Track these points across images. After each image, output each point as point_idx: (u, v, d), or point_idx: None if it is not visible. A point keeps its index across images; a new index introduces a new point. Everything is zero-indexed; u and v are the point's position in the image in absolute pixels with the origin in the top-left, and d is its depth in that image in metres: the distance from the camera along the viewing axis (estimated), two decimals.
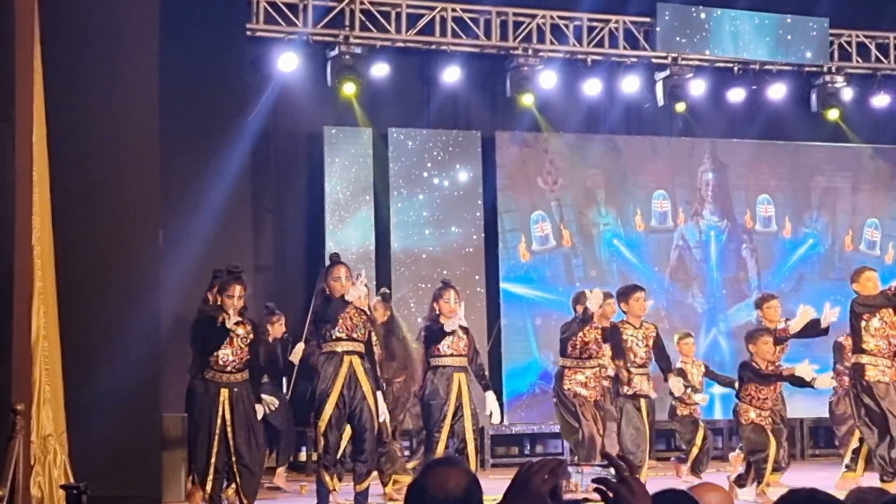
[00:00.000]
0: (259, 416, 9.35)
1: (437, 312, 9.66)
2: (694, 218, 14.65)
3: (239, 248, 12.32)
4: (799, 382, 10.17)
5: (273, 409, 10.05)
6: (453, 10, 13.80)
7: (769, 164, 15.02)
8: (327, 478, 8.95)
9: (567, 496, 2.74)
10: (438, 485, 2.99)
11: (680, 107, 14.38)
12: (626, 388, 10.52)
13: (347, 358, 8.92)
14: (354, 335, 8.95)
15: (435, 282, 13.40)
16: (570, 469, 3.12)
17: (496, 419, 10.13)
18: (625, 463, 2.77)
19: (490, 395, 9.93)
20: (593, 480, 2.72)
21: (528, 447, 14.15)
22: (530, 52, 13.87)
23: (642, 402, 10.57)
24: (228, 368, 9.08)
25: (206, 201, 11.92)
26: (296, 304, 12.61)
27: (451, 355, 9.61)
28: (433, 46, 13.88)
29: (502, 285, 13.82)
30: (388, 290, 11.28)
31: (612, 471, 2.74)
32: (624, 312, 10.72)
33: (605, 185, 14.43)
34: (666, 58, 14.29)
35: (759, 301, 11.04)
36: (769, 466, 9.95)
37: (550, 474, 2.74)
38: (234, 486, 9.20)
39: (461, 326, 9.66)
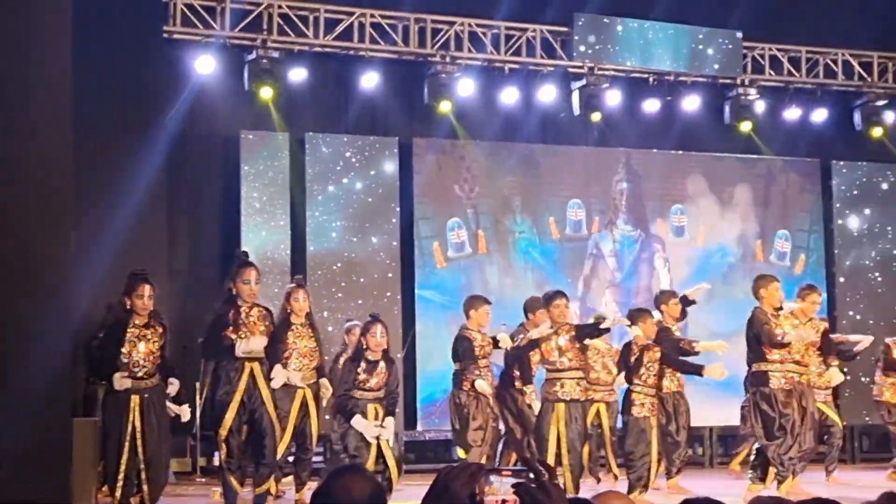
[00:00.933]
0: (186, 418, 9.35)
1: (365, 347, 9.58)
2: (608, 227, 14.79)
3: (153, 251, 12.25)
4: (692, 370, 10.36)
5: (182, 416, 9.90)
6: (372, 15, 13.79)
7: (683, 174, 15.20)
8: (233, 481, 8.94)
9: (487, 500, 2.74)
10: (343, 491, 2.98)
11: (595, 116, 14.50)
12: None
13: (248, 365, 8.88)
14: None
15: (351, 288, 13.44)
16: (489, 473, 3.14)
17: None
18: (543, 467, 2.78)
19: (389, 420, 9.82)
20: (513, 486, 2.73)
21: (443, 453, 14.15)
22: (448, 59, 13.91)
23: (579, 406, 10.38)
24: (139, 373, 8.97)
25: (121, 204, 11.81)
26: (210, 308, 12.44)
27: (371, 389, 9.56)
28: (351, 52, 13.87)
29: (418, 292, 13.83)
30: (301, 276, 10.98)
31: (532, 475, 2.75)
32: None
33: (521, 194, 14.51)
34: (582, 67, 14.40)
35: (658, 299, 11.25)
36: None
37: (469, 479, 2.74)
38: (141, 493, 9.09)
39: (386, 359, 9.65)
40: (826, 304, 15.28)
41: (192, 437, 12.40)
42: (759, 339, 10.01)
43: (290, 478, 10.23)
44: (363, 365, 9.51)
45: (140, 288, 8.95)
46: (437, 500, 2.74)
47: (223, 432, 8.84)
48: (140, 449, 8.87)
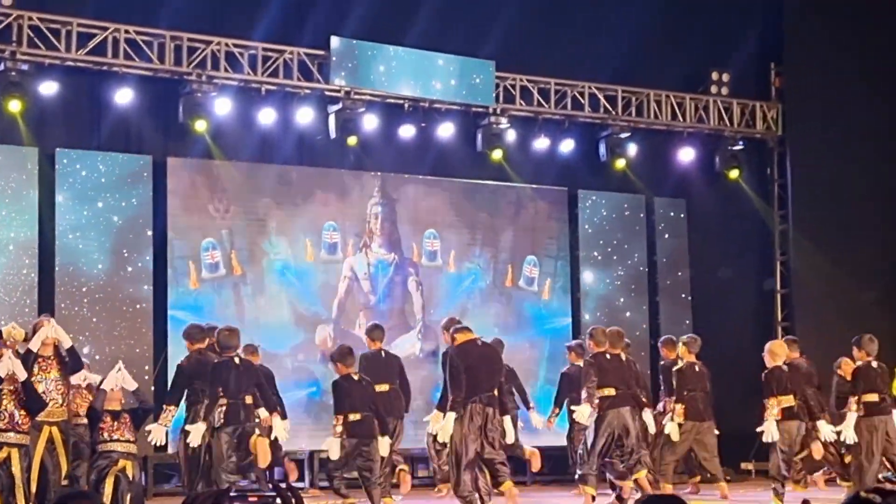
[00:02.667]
0: None
1: None
2: (363, 250, 14.90)
3: None
4: None
5: None
6: (126, 31, 13.53)
7: (436, 199, 15.46)
8: None
9: None
10: None
11: (352, 140, 14.59)
12: None
13: None
14: None
15: (103, 307, 13.12)
16: (234, 499, 3.15)
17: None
18: (290, 492, 2.83)
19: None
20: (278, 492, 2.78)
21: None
22: (204, 78, 13.78)
23: None
24: None
25: None
26: None
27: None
28: (105, 67, 13.56)
29: (170, 312, 13.62)
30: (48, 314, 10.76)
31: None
32: None
33: (276, 215, 14.48)
34: (339, 91, 14.49)
35: (447, 324, 11.42)
36: None
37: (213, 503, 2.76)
38: None
39: None
40: (570, 328, 15.85)
41: None
42: None
43: None
44: None
45: None
46: None
47: None
48: None
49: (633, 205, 16.62)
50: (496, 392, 10.33)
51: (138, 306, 13.49)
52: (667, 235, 16.77)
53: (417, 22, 14.77)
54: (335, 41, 14.36)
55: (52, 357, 9.48)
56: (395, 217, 15.17)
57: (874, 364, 11.49)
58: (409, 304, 15.09)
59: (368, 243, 14.95)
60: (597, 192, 16.45)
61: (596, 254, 16.29)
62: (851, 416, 11.32)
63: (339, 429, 10.70)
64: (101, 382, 10.09)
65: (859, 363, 11.57)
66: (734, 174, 16.90)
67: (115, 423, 9.91)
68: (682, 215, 16.89)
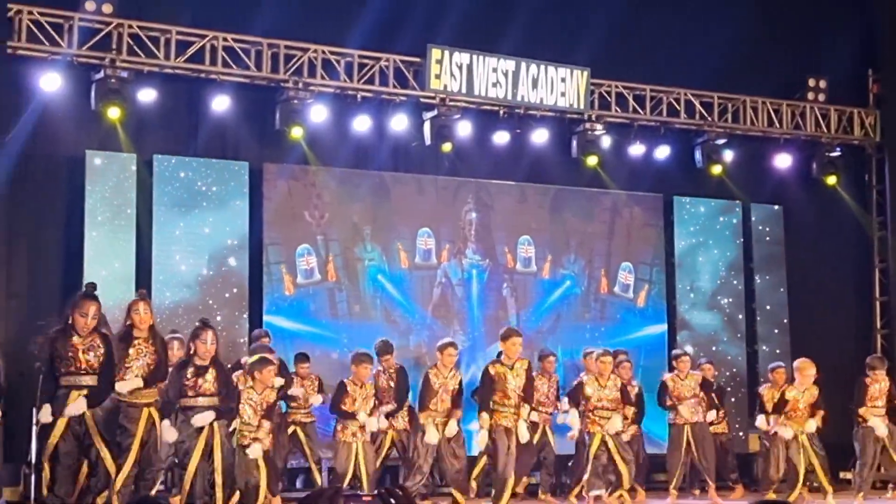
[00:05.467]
0: None
1: (193, 352, 9.77)
2: (457, 256, 14.89)
3: None
4: None
5: None
6: (224, 39, 13.66)
7: (531, 206, 15.41)
8: None
9: None
10: None
11: (446, 147, 14.59)
12: None
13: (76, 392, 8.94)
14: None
15: (199, 313, 13.22)
16: (348, 499, 3.14)
17: None
18: (402, 494, 2.80)
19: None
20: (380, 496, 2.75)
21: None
22: (301, 85, 13.87)
23: None
24: None
25: None
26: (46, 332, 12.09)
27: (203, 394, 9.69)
28: (202, 74, 13.71)
29: (266, 318, 13.71)
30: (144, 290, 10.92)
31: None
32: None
33: (371, 221, 14.52)
34: (434, 98, 14.51)
35: (503, 335, 11.66)
36: None
37: (328, 503, 2.75)
38: None
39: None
40: (666, 337, 15.70)
41: (27, 465, 12.03)
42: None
43: None
44: (191, 370, 9.64)
45: None
46: None
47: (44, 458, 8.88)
48: None
49: (729, 211, 16.43)
50: None
51: (234, 311, 13.60)
52: (763, 242, 16.56)
53: (513, 30, 14.75)
54: (431, 48, 14.37)
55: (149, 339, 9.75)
56: (490, 223, 15.13)
57: None
58: (502, 310, 15.03)
59: (463, 249, 14.93)
60: (692, 198, 16.29)
61: (691, 260, 16.12)
62: None
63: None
64: None
65: None
66: (832, 180, 16.65)
67: None
68: (779, 222, 16.67)
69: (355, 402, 11.59)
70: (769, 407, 12.63)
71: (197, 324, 10.03)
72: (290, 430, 12.14)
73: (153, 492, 9.81)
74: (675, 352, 13.91)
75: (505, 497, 11.19)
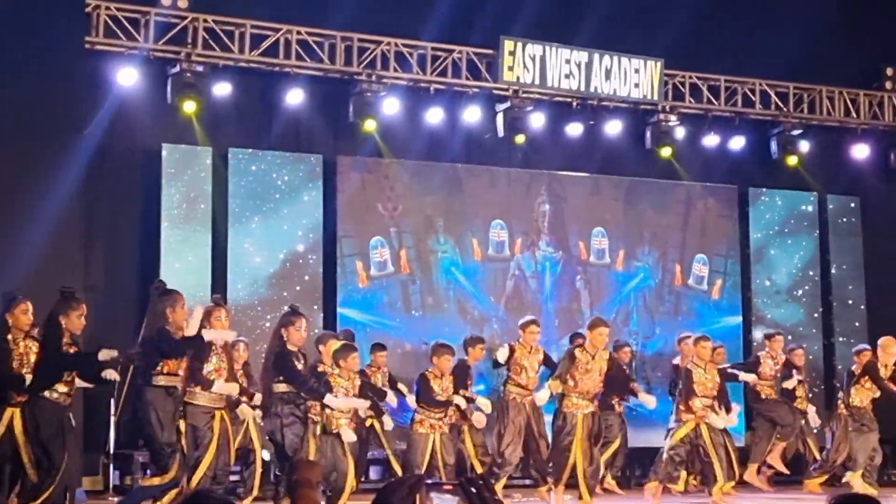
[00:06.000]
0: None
1: (286, 339, 9.78)
2: (530, 248, 14.85)
3: (69, 266, 11.99)
4: None
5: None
6: (298, 32, 13.74)
7: (604, 197, 15.32)
8: None
9: None
10: None
11: (519, 139, 14.56)
12: None
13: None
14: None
15: (273, 305, 13.32)
16: (429, 488, 3.14)
17: None
18: (484, 483, 2.78)
19: None
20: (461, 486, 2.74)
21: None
22: (374, 78, 13.90)
23: None
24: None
25: (37, 218, 11.62)
26: (127, 325, 12.24)
27: None
28: (276, 68, 13.78)
29: (339, 310, 13.76)
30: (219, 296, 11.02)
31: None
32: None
33: (444, 214, 14.52)
34: (507, 90, 14.47)
35: (590, 324, 11.45)
36: None
37: (408, 492, 2.74)
38: None
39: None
40: (741, 329, 15.55)
41: (106, 455, 12.21)
42: None
43: None
44: (294, 358, 9.69)
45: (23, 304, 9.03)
46: None
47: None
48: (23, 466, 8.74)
49: (806, 202, 16.24)
50: None
51: (308, 304, 13.64)
52: (840, 233, 16.34)
53: (586, 21, 14.67)
54: (503, 40, 14.34)
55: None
56: (563, 215, 15.07)
57: None
58: (575, 302, 14.97)
59: (536, 242, 14.89)
60: (768, 189, 16.11)
61: (767, 252, 15.95)
62: None
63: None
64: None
65: None
66: None
67: None
68: (856, 213, 16.44)
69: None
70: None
71: (287, 309, 10.12)
72: (367, 423, 12.15)
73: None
74: (767, 332, 13.79)
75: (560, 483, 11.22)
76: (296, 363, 9.71)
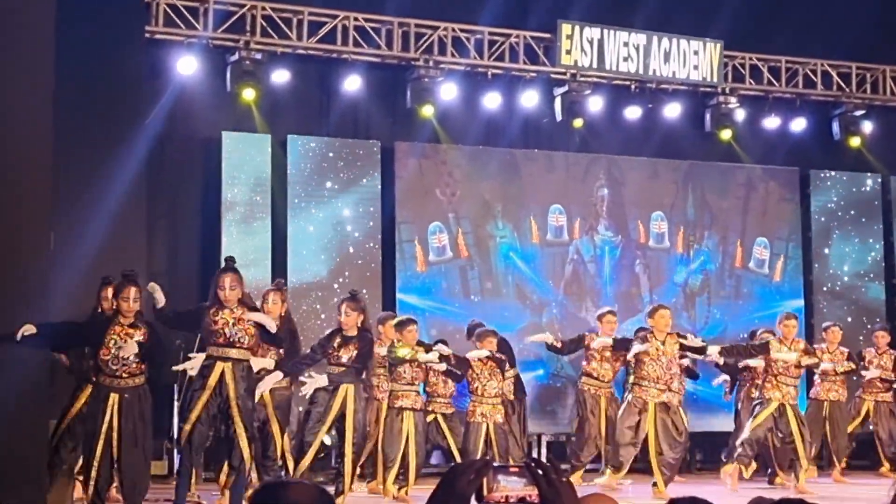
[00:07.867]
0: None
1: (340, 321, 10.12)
2: (589, 233, 14.79)
3: (132, 253, 12.11)
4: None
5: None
6: (355, 19, 13.77)
7: (663, 181, 15.22)
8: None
9: (494, 496, 2.73)
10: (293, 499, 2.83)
11: (577, 122, 14.51)
12: None
13: (220, 365, 9.04)
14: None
15: (332, 290, 13.39)
16: (496, 471, 3.15)
17: None
18: (552, 465, 2.77)
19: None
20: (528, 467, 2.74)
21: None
22: (431, 63, 13.90)
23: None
24: (122, 373, 8.92)
25: (99, 205, 11.72)
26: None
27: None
28: (334, 55, 13.84)
29: (398, 296, 13.80)
30: (282, 280, 11.30)
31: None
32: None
33: (502, 198, 14.50)
34: (565, 74, 14.41)
35: (651, 311, 11.45)
36: None
37: (475, 475, 2.74)
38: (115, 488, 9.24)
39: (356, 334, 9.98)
40: (803, 312, 15.39)
41: (169, 440, 12.31)
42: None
43: None
44: (338, 340, 9.94)
45: (126, 290, 8.97)
46: (443, 498, 2.73)
47: (186, 427, 8.99)
48: (115, 450, 8.82)
49: (869, 184, 16.04)
50: None
51: (367, 289, 13.67)
52: None
53: (643, 3, 14.56)
54: (562, 24, 14.27)
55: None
56: (622, 199, 14.99)
57: None
58: (635, 286, 14.90)
59: (595, 226, 14.83)
60: (830, 171, 15.93)
61: (829, 234, 15.78)
62: None
63: None
64: None
65: None
66: None
67: None
68: None
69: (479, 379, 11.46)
70: None
71: (346, 295, 10.32)
72: (429, 419, 11.83)
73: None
74: (825, 324, 13.68)
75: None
76: (334, 345, 9.91)
